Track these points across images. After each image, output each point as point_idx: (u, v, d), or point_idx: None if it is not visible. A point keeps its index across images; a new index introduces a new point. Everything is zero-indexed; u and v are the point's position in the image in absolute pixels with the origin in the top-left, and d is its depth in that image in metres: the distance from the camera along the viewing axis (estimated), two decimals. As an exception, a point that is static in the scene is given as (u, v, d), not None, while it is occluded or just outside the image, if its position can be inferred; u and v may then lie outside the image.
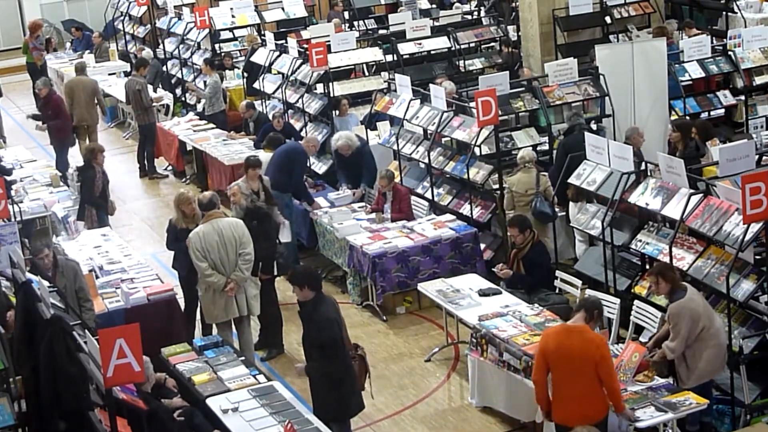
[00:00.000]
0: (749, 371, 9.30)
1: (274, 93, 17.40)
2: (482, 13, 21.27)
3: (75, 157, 18.72)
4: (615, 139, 12.54)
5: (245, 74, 18.99)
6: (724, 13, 19.13)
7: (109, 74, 22.32)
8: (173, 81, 21.24)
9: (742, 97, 14.66)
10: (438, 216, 13.17)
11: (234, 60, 20.50)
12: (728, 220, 9.41)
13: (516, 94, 13.54)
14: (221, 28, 20.97)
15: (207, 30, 20.20)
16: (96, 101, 18.49)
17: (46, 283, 8.91)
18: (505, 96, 13.26)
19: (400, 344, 11.85)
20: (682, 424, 9.11)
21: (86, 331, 8.18)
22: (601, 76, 13.64)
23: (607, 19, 17.76)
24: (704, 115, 14.51)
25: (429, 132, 13.79)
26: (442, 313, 11.60)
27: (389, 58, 17.19)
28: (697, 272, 9.59)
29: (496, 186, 12.88)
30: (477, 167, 12.94)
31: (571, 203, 12.29)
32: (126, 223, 15.54)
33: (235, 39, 21.63)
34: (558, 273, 11.31)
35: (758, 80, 14.73)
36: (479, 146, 13.05)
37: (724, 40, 15.82)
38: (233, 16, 20.94)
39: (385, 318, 12.41)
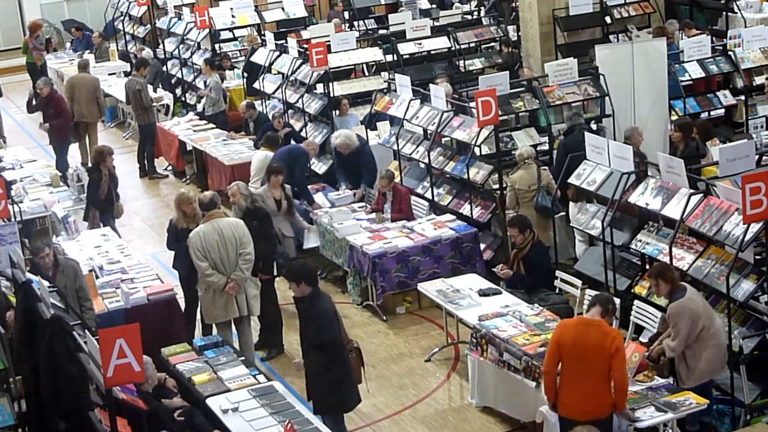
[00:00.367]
0: (749, 371, 9.30)
1: (274, 93, 17.41)
2: (482, 13, 21.26)
3: (75, 157, 18.77)
4: (615, 139, 12.54)
5: (245, 74, 18.99)
6: (724, 13, 19.14)
7: (109, 74, 22.32)
8: (173, 81, 21.24)
9: (742, 97, 14.66)
10: (438, 216, 13.17)
11: (233, 61, 20.50)
12: (728, 220, 9.41)
13: (516, 94, 13.54)
14: (221, 28, 20.97)
15: (207, 30, 20.20)
16: (96, 99, 18.52)
17: (46, 283, 8.91)
18: (505, 96, 13.26)
19: (400, 344, 11.85)
20: (682, 424, 9.11)
21: (86, 331, 8.18)
22: (601, 76, 13.64)
23: (607, 19, 17.76)
24: (704, 115, 14.52)
25: (429, 132, 13.78)
26: (442, 313, 11.60)
27: (389, 58, 17.19)
28: (697, 272, 9.59)
29: (496, 186, 12.88)
30: (477, 167, 12.94)
31: (571, 203, 12.29)
32: (126, 223, 15.52)
33: (235, 39, 21.64)
34: (558, 273, 11.31)
35: (758, 80, 14.73)
36: (479, 146, 13.05)
37: (724, 40, 15.82)
38: (233, 16, 20.94)
39: (385, 318, 12.41)
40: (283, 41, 17.88)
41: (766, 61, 14.82)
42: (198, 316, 11.57)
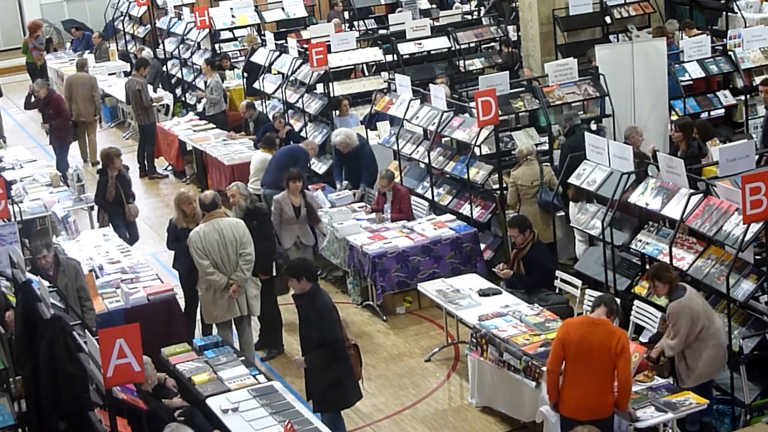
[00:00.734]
0: (749, 371, 9.30)
1: (274, 93, 17.41)
2: (482, 13, 21.26)
3: (75, 157, 18.78)
4: (615, 139, 12.54)
5: (245, 74, 18.99)
6: (724, 13, 19.14)
7: (109, 74, 22.35)
8: (173, 81, 21.25)
9: (742, 97, 14.66)
10: (438, 216, 13.17)
11: (233, 61, 20.51)
12: (728, 220, 9.41)
13: (516, 94, 13.54)
14: (221, 28, 20.98)
15: (207, 30, 20.20)
16: (92, 97, 18.56)
17: (46, 283, 8.91)
18: (505, 96, 13.25)
19: (400, 344, 11.85)
20: (682, 424, 9.11)
21: (86, 331, 8.18)
22: (601, 76, 13.64)
23: (607, 19, 17.76)
24: (704, 115, 14.51)
25: (429, 132, 13.78)
26: (442, 313, 11.60)
27: (389, 58, 17.19)
28: (697, 272, 9.59)
29: (496, 186, 12.88)
30: (477, 167, 12.94)
31: (571, 203, 12.30)
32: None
33: (235, 39, 21.65)
34: (558, 273, 11.31)
35: (758, 80, 14.70)
36: (479, 146, 13.05)
37: (724, 40, 15.82)
38: (233, 16, 20.95)
39: (385, 318, 12.41)
40: (283, 41, 17.88)
41: (766, 61, 14.82)
42: (198, 316, 11.57)
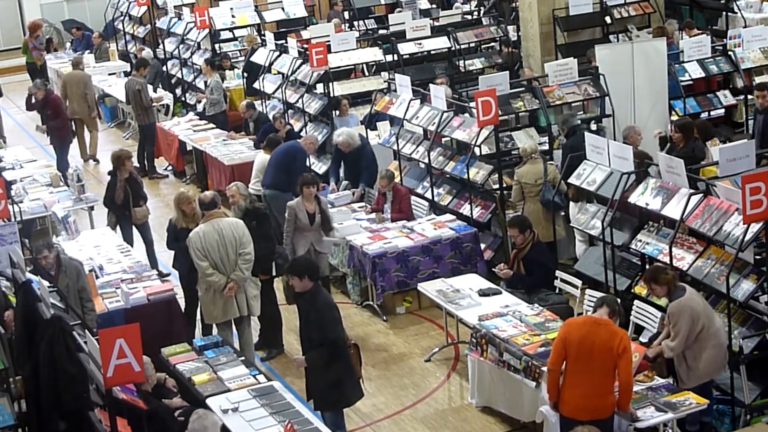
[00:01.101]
0: (749, 371, 9.30)
1: (274, 93, 17.41)
2: (482, 13, 21.26)
3: (75, 156, 18.78)
4: (615, 139, 12.54)
5: (245, 74, 18.99)
6: (724, 13, 19.13)
7: (109, 74, 22.37)
8: (173, 81, 21.25)
9: (742, 97, 14.66)
10: (438, 216, 13.17)
11: (233, 61, 20.51)
12: (728, 220, 9.41)
13: (516, 94, 13.54)
14: (221, 28, 20.99)
15: (207, 30, 20.21)
16: (85, 94, 18.59)
17: (46, 283, 8.91)
18: (505, 96, 13.26)
19: (400, 344, 11.85)
20: (682, 424, 9.11)
21: (86, 331, 8.18)
22: (601, 76, 13.64)
23: (607, 19, 17.76)
24: (704, 115, 14.51)
25: (429, 132, 13.79)
26: (442, 313, 11.60)
27: (389, 58, 17.20)
28: (697, 272, 9.59)
29: (496, 186, 12.88)
30: (477, 167, 12.94)
31: (571, 203, 12.30)
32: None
33: (235, 39, 21.66)
34: (558, 273, 11.31)
35: (758, 80, 14.70)
36: (479, 146, 13.06)
37: (724, 40, 15.82)
38: (233, 16, 20.96)
39: (385, 318, 12.41)
40: (283, 41, 17.89)
41: (766, 61, 14.82)
42: (198, 316, 11.56)
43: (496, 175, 12.86)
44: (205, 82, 18.53)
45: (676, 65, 14.52)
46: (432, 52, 18.29)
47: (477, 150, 13.11)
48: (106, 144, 20.09)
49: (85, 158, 19.28)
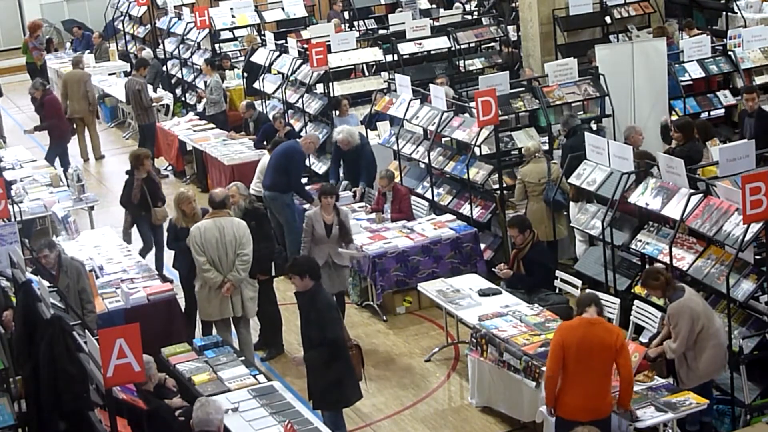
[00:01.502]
0: (749, 371, 9.30)
1: (274, 93, 17.41)
2: (482, 13, 21.27)
3: (75, 156, 18.79)
4: (615, 139, 12.54)
5: (245, 74, 19.00)
6: (724, 13, 19.13)
7: (109, 74, 22.38)
8: (173, 81, 21.25)
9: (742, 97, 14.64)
10: (438, 216, 13.17)
11: (233, 61, 20.52)
12: (728, 220, 9.41)
13: (516, 94, 13.55)
14: (221, 28, 20.99)
15: (207, 30, 20.22)
16: (86, 93, 18.61)
17: (46, 283, 8.91)
18: (505, 96, 13.26)
19: (400, 344, 11.85)
20: (682, 424, 9.11)
21: (86, 331, 8.18)
22: (601, 76, 13.64)
23: (607, 19, 17.76)
24: (704, 115, 14.51)
25: (429, 132, 13.79)
26: (442, 313, 11.60)
27: (389, 58, 17.20)
28: (697, 272, 9.59)
29: (496, 186, 12.89)
30: (477, 167, 12.94)
31: (571, 203, 12.30)
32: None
33: (235, 39, 21.66)
34: (558, 273, 11.30)
35: (758, 80, 14.72)
36: (479, 146, 13.06)
37: (724, 40, 15.82)
38: (233, 16, 20.97)
39: (385, 318, 12.41)
40: (283, 41, 17.89)
41: (766, 61, 14.82)
42: (198, 316, 11.55)
43: (496, 175, 12.86)
44: (205, 82, 18.54)
45: (676, 65, 14.52)
46: (432, 52, 18.30)
47: (477, 150, 13.11)
48: (105, 144, 20.10)
49: (85, 158, 19.30)
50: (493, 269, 11.60)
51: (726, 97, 14.76)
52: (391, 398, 10.75)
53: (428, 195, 13.61)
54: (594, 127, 13.58)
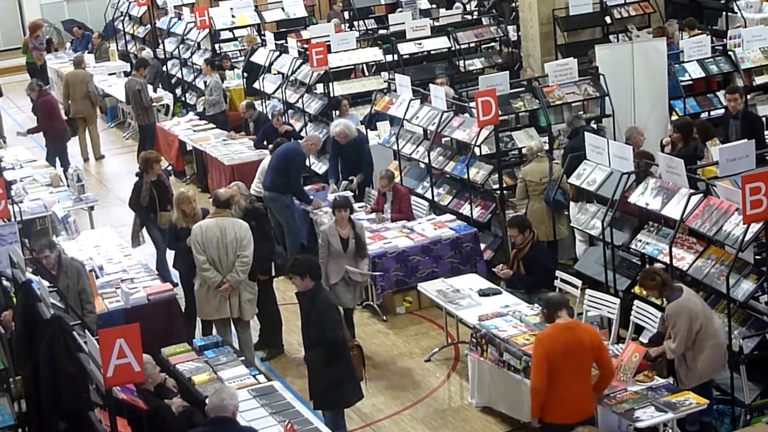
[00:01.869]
0: (749, 371, 9.30)
1: (274, 93, 17.42)
2: (482, 13, 21.27)
3: (75, 156, 18.79)
4: (615, 139, 12.54)
5: (245, 74, 19.00)
6: (724, 13, 19.13)
7: (109, 74, 22.38)
8: (173, 81, 21.26)
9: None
10: (438, 216, 13.17)
11: (233, 61, 20.52)
12: (728, 220, 9.41)
13: (516, 94, 13.54)
14: (221, 28, 20.99)
15: (207, 30, 20.22)
16: (88, 93, 18.63)
17: (46, 283, 8.92)
18: (505, 96, 13.26)
19: (400, 344, 11.85)
20: (682, 424, 9.11)
21: (86, 330, 8.19)
22: (601, 76, 13.64)
23: (607, 19, 17.77)
24: (704, 115, 14.51)
25: (429, 132, 13.79)
26: (442, 313, 11.60)
27: (389, 58, 17.20)
28: (697, 272, 9.59)
29: (496, 186, 12.89)
30: (477, 167, 12.94)
31: (571, 203, 12.30)
32: (126, 223, 15.50)
33: (235, 39, 21.66)
34: (558, 273, 11.30)
35: (758, 80, 14.73)
36: (479, 146, 13.06)
37: (724, 40, 15.81)
38: (233, 16, 20.97)
39: (385, 318, 12.41)
40: (283, 41, 17.89)
41: (766, 61, 14.81)
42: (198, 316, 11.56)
43: (496, 175, 12.86)
44: (205, 82, 18.54)
45: (676, 65, 14.52)
46: (432, 52, 18.30)
47: (477, 150, 13.11)
48: (105, 144, 20.11)
49: (85, 158, 19.30)
50: (493, 269, 11.60)
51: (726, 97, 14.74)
52: (391, 398, 10.75)
53: (428, 195, 13.61)
54: (594, 126, 13.57)
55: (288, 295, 12.44)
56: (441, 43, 18.16)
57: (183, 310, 11.49)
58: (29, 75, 22.96)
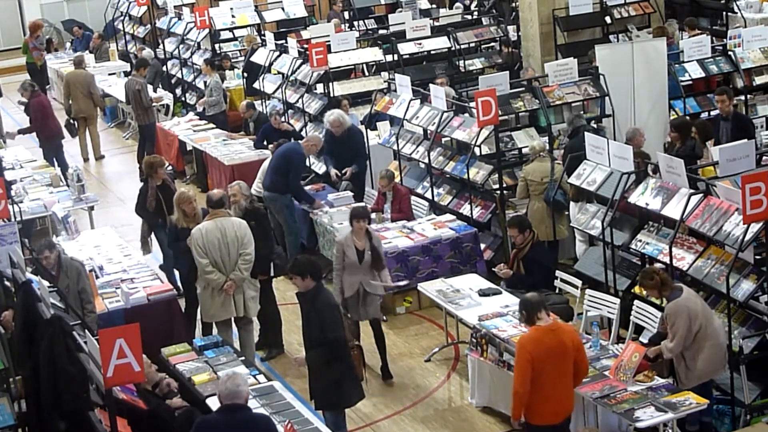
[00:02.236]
0: (749, 371, 9.30)
1: (274, 93, 17.42)
2: (482, 13, 21.28)
3: (75, 156, 18.80)
4: (615, 139, 12.54)
5: (245, 74, 19.00)
6: (724, 13, 19.12)
7: (109, 74, 22.38)
8: (173, 81, 21.26)
9: (742, 97, 14.65)
10: (438, 216, 13.17)
11: (233, 61, 20.52)
12: (728, 220, 9.41)
13: (516, 94, 13.55)
14: (221, 28, 20.99)
15: (207, 30, 20.22)
16: (90, 93, 18.64)
17: (46, 283, 8.92)
18: (505, 96, 13.26)
19: (400, 344, 11.85)
20: (682, 424, 9.11)
21: (86, 330, 8.19)
22: (601, 76, 13.64)
23: (607, 19, 17.77)
24: (704, 115, 14.51)
25: (429, 132, 13.79)
26: (442, 313, 11.60)
27: (389, 58, 17.20)
28: (697, 272, 9.59)
29: (496, 186, 12.89)
30: (477, 167, 12.95)
31: (571, 203, 12.30)
32: (126, 223, 15.54)
33: (235, 39, 21.66)
34: (558, 273, 11.30)
35: (758, 80, 14.72)
36: (479, 146, 13.06)
37: (724, 40, 15.81)
38: (233, 16, 20.97)
39: (385, 318, 12.37)
40: (283, 41, 17.89)
41: (766, 61, 14.81)
42: (198, 316, 11.56)
43: (496, 175, 12.86)
44: (205, 82, 18.54)
45: (676, 65, 14.52)
46: (432, 52, 18.30)
47: (477, 150, 13.11)
48: (105, 144, 20.10)
49: (85, 158, 19.30)
50: (493, 269, 11.60)
51: (726, 97, 14.74)
52: (391, 398, 10.75)
53: (428, 195, 13.61)
54: (594, 126, 13.57)
55: (288, 295, 12.45)
56: (441, 43, 18.17)
57: (183, 310, 11.49)
58: (29, 75, 22.93)
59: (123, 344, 6.81)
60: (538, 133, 13.51)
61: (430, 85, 14.49)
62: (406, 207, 13.24)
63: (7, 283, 9.56)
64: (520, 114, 13.68)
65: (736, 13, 18.77)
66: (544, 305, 8.51)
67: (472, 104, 12.91)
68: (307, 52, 15.80)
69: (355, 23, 22.40)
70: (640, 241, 10.39)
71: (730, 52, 14.84)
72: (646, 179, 10.53)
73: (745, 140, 11.32)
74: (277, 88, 17.16)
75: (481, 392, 10.29)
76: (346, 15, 23.18)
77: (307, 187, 14.16)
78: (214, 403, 9.04)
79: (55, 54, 24.63)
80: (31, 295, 8.36)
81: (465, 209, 13.02)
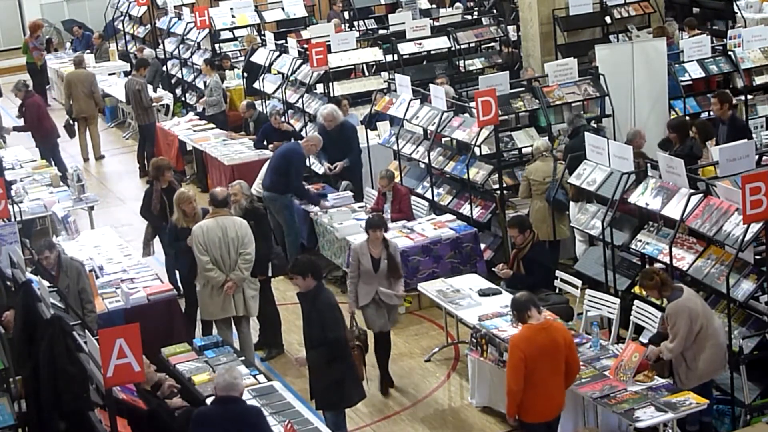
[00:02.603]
0: (749, 371, 9.30)
1: (274, 93, 17.42)
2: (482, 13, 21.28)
3: (75, 156, 18.80)
4: (615, 139, 12.54)
5: (245, 74, 19.00)
6: (731, 14, 19.11)
7: (109, 74, 22.38)
8: (173, 81, 21.26)
9: (742, 97, 14.65)
10: (438, 216, 13.17)
11: (233, 61, 20.52)
12: (728, 220, 9.41)
13: (516, 94, 13.55)
14: (221, 28, 21.00)
15: (207, 30, 20.22)
16: (92, 93, 18.65)
17: (46, 283, 8.91)
18: (505, 96, 13.26)
19: (400, 344, 11.85)
20: (682, 424, 9.11)
21: (86, 330, 8.18)
22: (601, 76, 13.64)
23: (607, 19, 17.77)
24: (704, 115, 14.51)
25: (429, 132, 13.79)
26: (442, 313, 11.60)
27: (389, 58, 17.20)
28: (697, 272, 9.59)
29: (496, 186, 12.89)
30: (477, 167, 12.95)
31: (571, 203, 12.30)
32: (126, 223, 15.55)
33: (235, 39, 21.66)
34: (558, 273, 11.30)
35: (758, 80, 14.72)
36: (479, 146, 13.06)
37: (724, 40, 15.81)
38: (233, 16, 20.97)
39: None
40: (283, 41, 17.89)
41: (766, 61, 14.81)
42: (198, 316, 11.55)
43: (496, 175, 12.86)
44: (205, 82, 18.54)
45: (676, 65, 14.52)
46: (432, 52, 18.30)
47: (477, 150, 13.11)
48: (105, 144, 20.10)
49: (85, 158, 19.30)
50: (493, 269, 11.60)
51: (726, 97, 14.74)
52: (391, 398, 10.75)
53: (428, 195, 13.61)
54: (594, 126, 13.57)
55: (288, 295, 12.45)
56: (441, 43, 18.16)
57: (183, 310, 11.49)
58: (29, 75, 22.95)
59: (123, 344, 6.81)
60: (538, 133, 13.51)
61: (430, 85, 14.49)
62: (406, 207, 13.24)
63: (7, 282, 9.56)
64: (520, 114, 13.68)
65: (736, 13, 18.77)
66: (535, 303, 8.52)
67: (472, 104, 12.91)
68: (307, 52, 15.80)
69: (355, 23, 22.40)
70: (640, 241, 10.39)
71: (730, 52, 14.84)
72: (646, 179, 10.53)
73: (745, 140, 11.33)
74: (277, 88, 17.16)
75: (481, 392, 10.29)
76: (346, 15, 23.18)
77: (306, 188, 14.15)
78: (214, 403, 9.07)
79: (55, 54, 24.64)
80: (31, 295, 8.37)
81: (465, 209, 13.02)
